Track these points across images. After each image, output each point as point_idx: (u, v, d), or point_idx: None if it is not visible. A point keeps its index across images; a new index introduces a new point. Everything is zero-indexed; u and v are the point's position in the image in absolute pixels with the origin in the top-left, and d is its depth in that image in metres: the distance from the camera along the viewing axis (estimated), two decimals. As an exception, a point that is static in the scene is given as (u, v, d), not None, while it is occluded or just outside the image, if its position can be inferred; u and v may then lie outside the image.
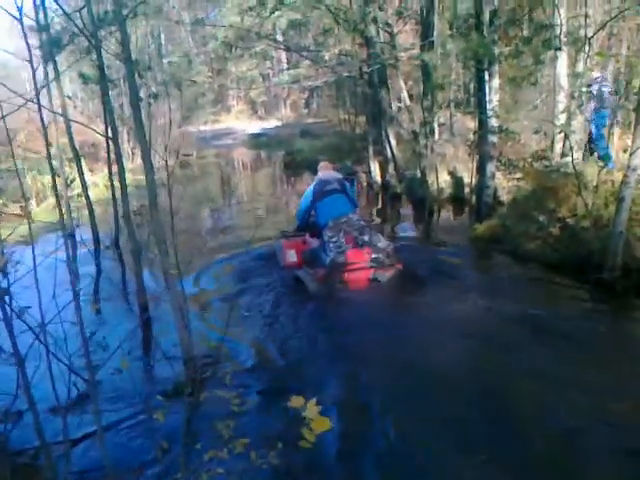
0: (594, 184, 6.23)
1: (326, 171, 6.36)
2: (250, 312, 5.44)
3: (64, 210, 8.89)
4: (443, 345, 4.40)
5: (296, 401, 1.63)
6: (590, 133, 7.81)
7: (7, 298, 2.46)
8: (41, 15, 7.44)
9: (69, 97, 8.03)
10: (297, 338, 4.79)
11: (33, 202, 11.42)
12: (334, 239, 5.85)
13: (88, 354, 1.91)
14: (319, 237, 6.11)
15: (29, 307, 2.45)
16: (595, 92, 7.61)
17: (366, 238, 5.99)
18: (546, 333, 4.58)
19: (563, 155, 7.68)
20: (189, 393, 3.67)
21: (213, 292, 6.01)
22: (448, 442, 3.02)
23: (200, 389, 3.38)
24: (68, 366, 1.97)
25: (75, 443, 2.94)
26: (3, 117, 2.11)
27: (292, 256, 6.31)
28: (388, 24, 9.88)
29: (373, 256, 5.90)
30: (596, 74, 7.81)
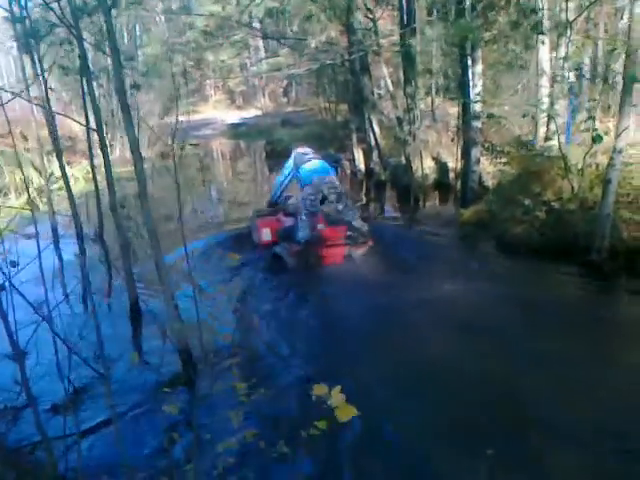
0: (579, 167, 6.29)
1: (302, 149, 6.81)
2: (240, 297, 5.50)
3: (46, 204, 8.76)
4: (437, 333, 4.43)
5: (319, 389, 1.61)
6: None
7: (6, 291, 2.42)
8: (15, 6, 7.30)
9: (51, 89, 7.82)
10: (290, 321, 4.84)
11: (12, 196, 11.19)
12: (312, 196, 6.14)
13: (102, 349, 1.87)
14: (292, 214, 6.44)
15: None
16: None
17: (340, 207, 6.32)
18: (533, 313, 4.68)
19: (547, 139, 7.73)
20: (185, 383, 3.66)
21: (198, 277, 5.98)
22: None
23: (197, 379, 3.35)
24: (83, 359, 1.94)
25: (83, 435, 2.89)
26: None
27: (267, 234, 6.55)
28: (370, 10, 9.82)
29: (348, 233, 6.22)
30: None
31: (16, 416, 2.99)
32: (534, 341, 4.08)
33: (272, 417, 2.92)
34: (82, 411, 3.38)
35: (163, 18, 31.31)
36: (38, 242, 2.74)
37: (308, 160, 6.45)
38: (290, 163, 6.72)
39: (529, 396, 3.38)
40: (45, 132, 8.50)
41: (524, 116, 7.38)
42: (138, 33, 32.10)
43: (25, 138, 14.08)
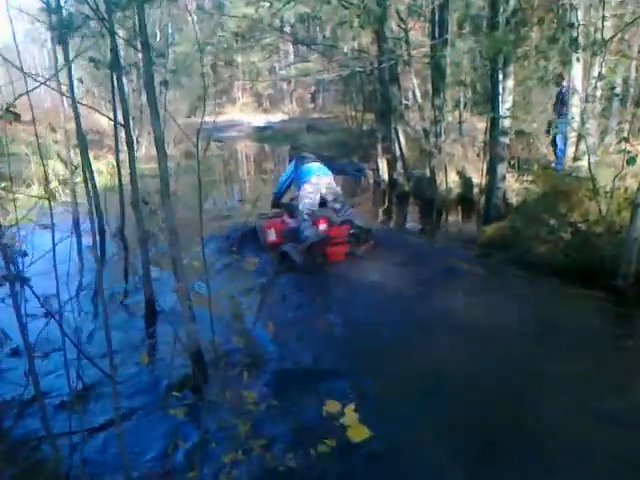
0: (607, 189, 6.15)
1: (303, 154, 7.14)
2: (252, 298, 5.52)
3: (70, 196, 8.82)
4: (454, 347, 4.34)
5: (332, 406, 1.54)
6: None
7: (19, 284, 2.39)
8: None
9: (81, 81, 7.87)
10: (306, 325, 4.79)
11: (35, 187, 11.29)
12: (311, 194, 6.47)
13: (110, 348, 1.83)
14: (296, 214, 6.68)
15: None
16: (559, 100, 8.78)
17: (337, 206, 6.67)
18: (551, 335, 4.55)
19: (575, 159, 7.59)
20: (194, 388, 3.60)
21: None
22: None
23: (206, 384, 3.29)
24: (90, 360, 1.90)
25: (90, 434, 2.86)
26: (15, 100, 2.02)
27: (272, 235, 6.91)
28: (402, 19, 9.77)
29: (351, 232, 6.50)
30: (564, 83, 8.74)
31: (23, 410, 2.96)
32: (546, 362, 3.97)
33: (281, 429, 2.84)
34: (90, 409, 3.36)
35: (195, 18, 31.65)
36: (53, 234, 2.71)
37: (307, 162, 6.76)
38: (291, 165, 7.01)
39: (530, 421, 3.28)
40: (74, 124, 8.56)
41: (548, 131, 7.24)
42: (170, 31, 32.50)
43: (54, 130, 14.22)
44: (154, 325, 4.98)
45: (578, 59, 7.47)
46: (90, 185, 8.20)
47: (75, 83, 8.44)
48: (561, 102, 8.77)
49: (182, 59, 20.28)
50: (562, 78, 8.85)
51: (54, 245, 2.20)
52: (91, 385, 3.61)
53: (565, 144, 8.40)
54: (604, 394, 3.55)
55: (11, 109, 1.97)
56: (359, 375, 3.87)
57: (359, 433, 1.49)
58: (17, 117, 2.02)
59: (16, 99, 2.32)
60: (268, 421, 2.73)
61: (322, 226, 6.45)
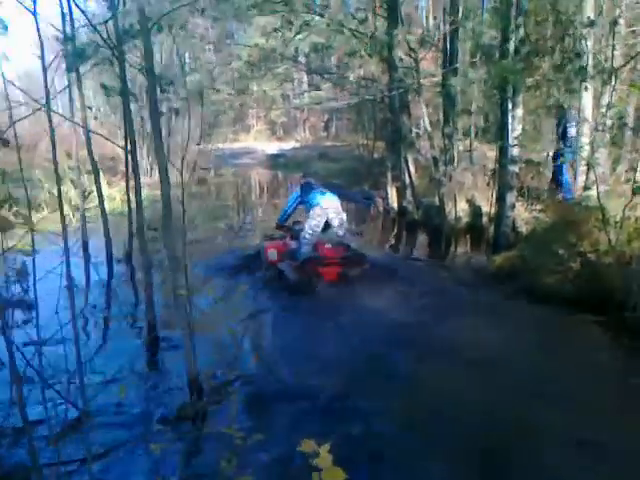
0: (617, 219, 6.07)
1: (308, 179, 7.52)
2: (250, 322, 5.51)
3: (79, 221, 8.91)
4: (453, 376, 4.25)
5: (307, 445, 1.47)
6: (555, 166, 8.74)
7: (9, 312, 2.37)
8: (68, 26, 7.57)
9: (90, 108, 8.01)
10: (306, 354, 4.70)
11: (45, 212, 11.40)
12: (318, 217, 6.77)
13: (82, 382, 1.79)
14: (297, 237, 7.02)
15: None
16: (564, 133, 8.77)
17: (341, 232, 6.97)
18: (556, 367, 4.44)
19: (585, 188, 7.52)
20: (192, 419, 3.53)
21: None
22: None
23: (204, 416, 3.23)
24: (60, 393, 1.86)
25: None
26: (13, 123, 2.03)
27: (273, 255, 7.18)
28: (412, 49, 9.86)
29: (345, 254, 6.79)
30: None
31: (16, 439, 2.91)
32: (549, 395, 3.87)
33: (266, 466, 2.74)
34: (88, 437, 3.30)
35: (212, 47, 32.26)
36: (34, 262, 2.68)
37: (317, 188, 7.12)
38: (297, 191, 7.37)
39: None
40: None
41: (554, 160, 7.19)
42: (188, 60, 33.12)
43: (69, 156, 14.43)
44: (155, 351, 4.94)
45: (586, 88, 7.45)
46: (100, 210, 8.29)
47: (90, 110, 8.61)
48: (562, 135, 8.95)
49: (197, 87, 20.59)
50: (563, 109, 8.99)
51: (34, 274, 2.18)
52: (96, 411, 3.58)
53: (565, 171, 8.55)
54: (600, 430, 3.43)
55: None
56: (348, 409, 3.77)
57: (334, 476, 1.41)
58: (5, 143, 2.03)
59: (14, 123, 2.33)
60: (254, 456, 2.65)
61: (327, 245, 6.83)
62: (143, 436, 2.48)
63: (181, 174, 3.69)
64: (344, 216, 7.07)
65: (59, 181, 3.15)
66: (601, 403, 3.86)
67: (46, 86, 1.97)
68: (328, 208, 6.83)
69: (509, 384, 4.14)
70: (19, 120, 2.20)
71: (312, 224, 6.76)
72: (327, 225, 6.98)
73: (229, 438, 2.13)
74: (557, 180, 8.77)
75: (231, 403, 3.11)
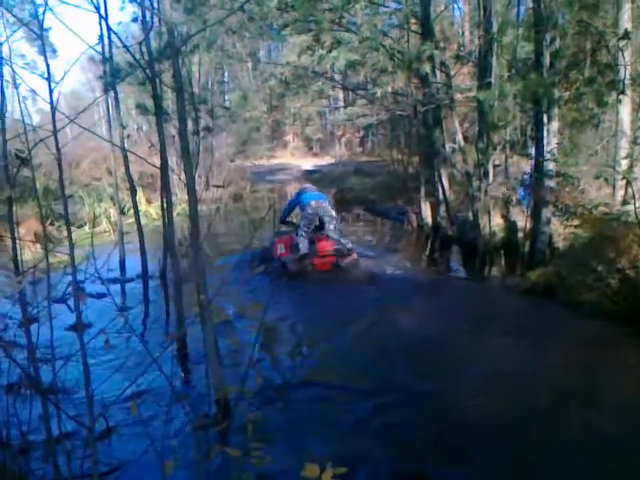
0: (657, 235, 5.87)
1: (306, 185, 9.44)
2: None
3: (117, 236, 9.13)
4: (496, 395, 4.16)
5: (311, 470, 1.44)
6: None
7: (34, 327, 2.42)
8: (106, 48, 7.83)
9: (123, 127, 8.23)
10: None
11: (86, 228, 11.71)
12: (310, 215, 8.09)
13: (90, 399, 1.82)
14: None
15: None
16: None
17: (331, 227, 8.16)
18: (596, 385, 4.33)
19: (624, 203, 7.30)
20: (219, 437, 3.52)
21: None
22: None
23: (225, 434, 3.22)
24: (64, 412, 1.88)
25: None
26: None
27: (282, 248, 8.29)
28: (444, 64, 9.80)
29: (336, 247, 8.15)
30: None
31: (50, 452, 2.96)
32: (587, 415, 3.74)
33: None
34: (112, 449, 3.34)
35: (250, 66, 32.84)
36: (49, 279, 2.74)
37: (308, 190, 8.58)
38: (295, 194, 8.87)
39: None
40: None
41: (597, 178, 7.01)
42: (226, 80, 33.78)
43: (110, 173, 14.85)
44: (185, 367, 4.99)
45: (620, 101, 7.27)
46: (137, 226, 8.46)
47: (125, 130, 8.85)
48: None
49: (236, 104, 20.95)
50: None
51: (49, 292, 2.22)
52: (118, 426, 3.63)
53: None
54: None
55: (20, 154, 2.06)
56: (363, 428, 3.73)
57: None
58: (25, 162, 2.10)
59: (40, 141, 2.39)
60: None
61: (319, 242, 8.19)
62: (159, 453, 2.50)
63: (189, 192, 3.76)
64: (333, 213, 8.31)
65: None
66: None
67: (52, 103, 2.02)
68: (318, 207, 8.13)
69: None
70: (46, 138, 2.26)
71: (305, 222, 8.13)
72: (322, 224, 8.29)
73: (247, 457, 2.12)
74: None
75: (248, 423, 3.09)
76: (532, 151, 8.34)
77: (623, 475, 3.23)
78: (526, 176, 9.88)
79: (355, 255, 8.18)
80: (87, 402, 1.82)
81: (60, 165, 2.03)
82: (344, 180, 20.23)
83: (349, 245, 8.20)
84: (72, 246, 2.00)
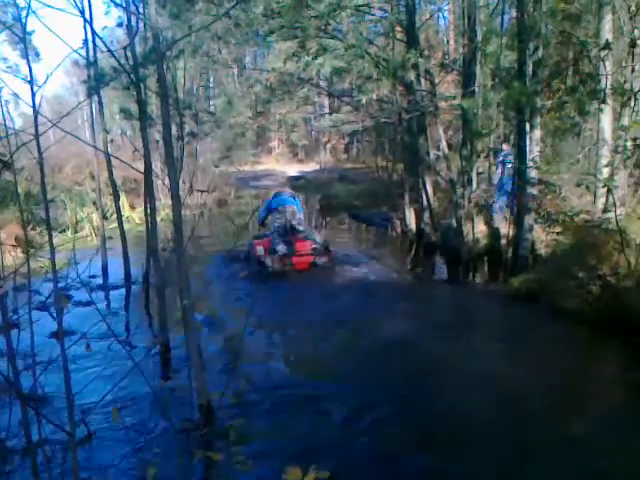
0: (638, 242, 5.95)
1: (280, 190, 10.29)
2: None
3: (99, 241, 9.06)
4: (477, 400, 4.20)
5: (293, 473, 1.44)
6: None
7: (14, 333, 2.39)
8: (91, 52, 7.79)
9: (107, 131, 8.18)
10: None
11: (69, 232, 11.60)
12: (279, 218, 8.94)
13: (71, 405, 1.80)
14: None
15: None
16: (500, 162, 10.27)
17: (301, 228, 8.99)
18: (575, 392, 4.42)
19: (605, 210, 7.41)
20: (202, 442, 3.50)
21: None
22: None
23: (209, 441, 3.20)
24: (44, 417, 1.87)
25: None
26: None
27: (260, 250, 8.78)
28: (429, 72, 9.88)
29: (313, 246, 8.71)
30: (505, 147, 10.48)
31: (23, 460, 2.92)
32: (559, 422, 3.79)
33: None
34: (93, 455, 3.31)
35: (236, 72, 32.81)
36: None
37: (279, 195, 9.34)
38: (269, 199, 9.61)
39: None
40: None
41: (578, 185, 7.11)
42: (211, 85, 33.70)
43: (93, 178, 14.71)
44: (166, 374, 4.95)
45: (601, 109, 7.38)
46: (119, 231, 8.41)
47: (109, 135, 8.80)
48: (502, 163, 10.19)
49: (216, 111, 20.91)
50: (507, 141, 10.27)
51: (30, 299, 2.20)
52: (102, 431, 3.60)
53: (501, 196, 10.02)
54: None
55: (1, 158, 2.04)
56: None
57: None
58: (7, 166, 2.08)
59: (22, 145, 2.37)
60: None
61: (297, 243, 8.71)
62: (140, 458, 2.48)
63: (173, 197, 3.75)
64: (300, 215, 9.20)
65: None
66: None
67: (34, 107, 2.01)
68: (286, 211, 8.96)
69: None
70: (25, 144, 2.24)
71: (276, 224, 8.95)
72: (293, 227, 8.94)
73: (229, 462, 2.11)
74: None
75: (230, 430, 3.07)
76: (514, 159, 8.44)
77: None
78: (504, 182, 10.06)
79: (333, 254, 8.77)
80: (68, 407, 1.81)
81: (42, 169, 2.01)
82: (329, 187, 20.25)
83: (325, 244, 8.89)
84: (53, 250, 1.98)
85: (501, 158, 10.37)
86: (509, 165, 9.69)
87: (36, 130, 2.02)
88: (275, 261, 8.38)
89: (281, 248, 8.54)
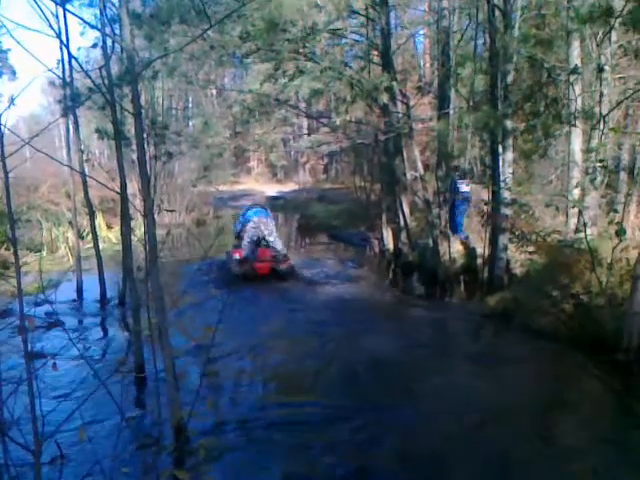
0: (609, 261, 6.07)
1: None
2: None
3: (74, 262, 8.95)
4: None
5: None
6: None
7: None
8: (67, 72, 7.78)
9: (82, 151, 8.16)
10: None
11: (44, 252, 11.45)
12: (253, 228, 9.90)
13: (36, 422, 1.78)
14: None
15: None
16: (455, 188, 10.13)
17: (271, 239, 9.94)
18: (553, 408, 4.48)
19: (577, 230, 7.55)
20: (172, 461, 3.47)
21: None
22: None
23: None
24: (10, 437, 1.84)
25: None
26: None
27: (237, 257, 9.79)
28: (404, 95, 10.03)
29: (273, 254, 9.80)
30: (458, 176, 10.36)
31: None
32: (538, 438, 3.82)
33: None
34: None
35: (215, 93, 32.93)
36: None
37: (252, 208, 10.51)
38: (243, 212, 10.67)
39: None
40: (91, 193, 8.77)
41: (547, 206, 7.26)
42: (190, 105, 33.74)
43: (69, 198, 14.54)
44: (141, 392, 4.90)
45: (568, 133, 7.57)
46: (95, 252, 8.34)
47: (85, 155, 8.75)
48: (453, 189, 10.07)
49: (193, 131, 20.93)
50: (457, 168, 10.28)
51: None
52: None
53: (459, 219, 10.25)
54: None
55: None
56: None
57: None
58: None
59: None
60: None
61: (259, 251, 9.80)
62: (106, 476, 2.44)
63: (149, 216, 3.75)
64: (272, 227, 10.12)
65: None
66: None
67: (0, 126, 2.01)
68: (259, 222, 9.96)
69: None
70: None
71: (249, 235, 9.87)
72: (263, 237, 9.91)
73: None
74: (452, 222, 10.08)
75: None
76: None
77: None
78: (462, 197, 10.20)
79: (291, 262, 9.91)
80: (33, 428, 1.78)
81: (8, 190, 2.01)
82: (308, 207, 20.31)
83: (284, 251, 10.09)
84: (19, 272, 1.97)
85: (454, 184, 10.32)
86: (461, 188, 10.11)
87: (2, 151, 2.02)
88: (238, 264, 9.58)
89: (246, 254, 9.71)
